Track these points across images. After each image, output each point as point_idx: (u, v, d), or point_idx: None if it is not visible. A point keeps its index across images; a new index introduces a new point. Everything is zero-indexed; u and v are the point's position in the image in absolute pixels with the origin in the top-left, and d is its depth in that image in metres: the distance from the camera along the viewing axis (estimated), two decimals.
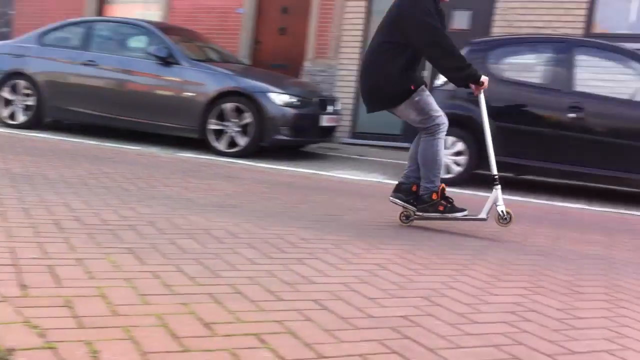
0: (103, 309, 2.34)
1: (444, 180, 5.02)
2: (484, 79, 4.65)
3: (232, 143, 8.39)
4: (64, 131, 9.54)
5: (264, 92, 8.36)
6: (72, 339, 2.04)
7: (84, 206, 4.15)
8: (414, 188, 4.87)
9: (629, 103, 7.48)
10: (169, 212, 4.24)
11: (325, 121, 9.00)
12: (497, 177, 4.84)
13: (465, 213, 4.79)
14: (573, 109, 7.47)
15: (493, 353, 2.35)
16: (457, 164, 7.82)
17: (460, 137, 7.73)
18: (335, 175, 7.60)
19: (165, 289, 2.65)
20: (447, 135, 5.04)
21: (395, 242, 4.13)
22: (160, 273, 2.87)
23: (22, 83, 9.45)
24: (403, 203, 4.86)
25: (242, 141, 8.36)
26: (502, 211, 4.73)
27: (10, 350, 1.90)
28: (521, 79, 7.89)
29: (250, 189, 5.69)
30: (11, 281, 2.53)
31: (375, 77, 4.72)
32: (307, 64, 12.45)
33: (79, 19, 9.91)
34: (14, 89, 9.48)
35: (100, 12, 14.53)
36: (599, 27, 10.69)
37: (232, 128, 8.41)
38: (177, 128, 8.73)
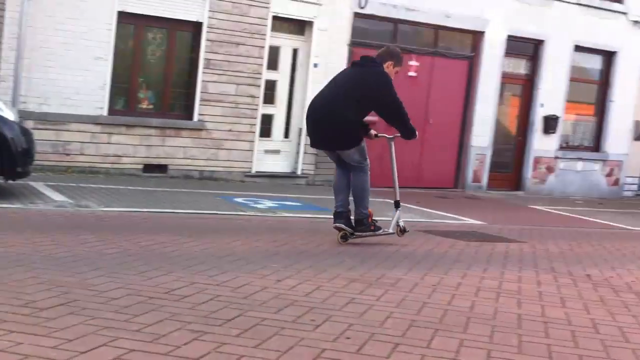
0: None
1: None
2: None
3: None
4: None
5: None
6: None
7: None
8: (349, 214, 6.42)
9: None
10: None
11: None
12: (399, 201, 6.79)
13: (384, 230, 6.55)
14: None
15: None
16: None
17: None
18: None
19: None
20: None
21: None
22: None
23: None
24: (346, 227, 6.34)
25: None
26: (402, 226, 6.70)
27: None
28: None
29: None
30: None
31: (340, 127, 6.25)
32: None
33: None
34: None
35: None
36: None
37: None
38: None
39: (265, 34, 11.64)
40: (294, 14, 12.00)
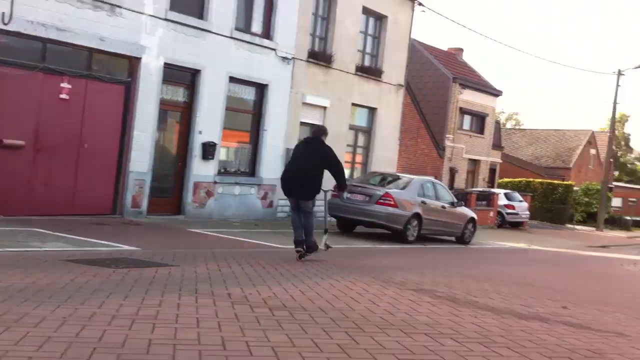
0: None
1: None
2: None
3: None
4: None
5: None
6: None
7: None
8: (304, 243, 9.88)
9: None
10: None
11: None
12: (327, 229, 10.89)
13: (320, 249, 10.23)
14: None
15: None
16: None
17: None
18: None
19: None
20: None
21: None
22: None
23: None
24: (304, 252, 9.83)
25: None
26: (327, 244, 10.53)
27: None
28: None
29: None
30: None
31: (311, 186, 9.85)
32: None
33: None
34: None
35: None
36: None
37: None
38: None
39: None
40: None
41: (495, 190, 32.41)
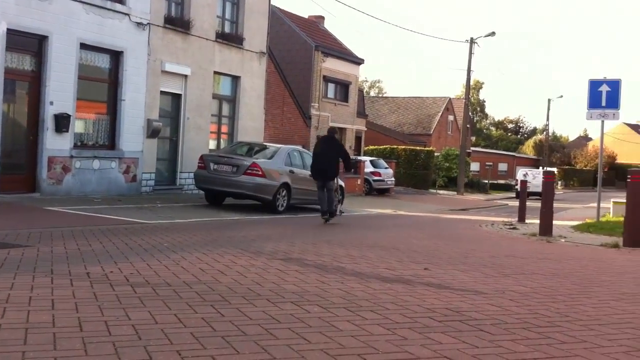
0: None
1: None
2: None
3: None
4: None
5: None
6: None
7: None
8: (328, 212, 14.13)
9: None
10: None
11: None
12: (340, 200, 16.73)
13: (339, 215, 15.18)
14: None
15: None
16: None
17: None
18: None
19: None
20: None
21: None
22: None
23: None
24: (329, 217, 14.06)
25: None
26: (340, 211, 15.41)
27: None
28: None
29: None
30: None
31: (332, 170, 14.17)
32: None
33: None
34: None
35: None
36: None
37: None
38: None
39: None
40: None
41: (362, 157, 33.16)
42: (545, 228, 13.27)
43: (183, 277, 6.00)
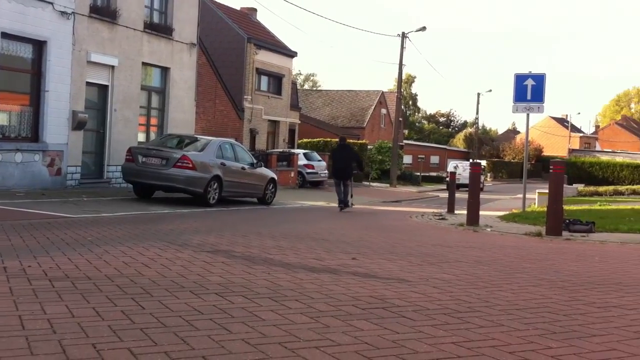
0: None
1: None
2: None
3: None
4: None
5: None
6: None
7: None
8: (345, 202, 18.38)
9: None
10: None
11: None
12: (352, 194, 19.63)
13: (351, 207, 18.89)
14: None
15: None
16: None
17: None
18: None
19: None
20: None
21: None
22: None
23: None
24: (346, 207, 18.05)
25: None
26: (351, 203, 18.98)
27: None
28: None
29: None
30: None
31: (349, 171, 18.62)
32: None
33: None
34: None
35: None
36: None
37: None
38: None
39: None
40: None
41: (295, 150, 33.17)
42: (472, 218, 13.57)
43: (105, 270, 5.86)
